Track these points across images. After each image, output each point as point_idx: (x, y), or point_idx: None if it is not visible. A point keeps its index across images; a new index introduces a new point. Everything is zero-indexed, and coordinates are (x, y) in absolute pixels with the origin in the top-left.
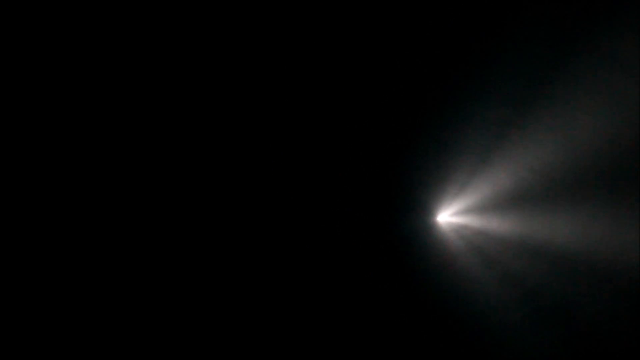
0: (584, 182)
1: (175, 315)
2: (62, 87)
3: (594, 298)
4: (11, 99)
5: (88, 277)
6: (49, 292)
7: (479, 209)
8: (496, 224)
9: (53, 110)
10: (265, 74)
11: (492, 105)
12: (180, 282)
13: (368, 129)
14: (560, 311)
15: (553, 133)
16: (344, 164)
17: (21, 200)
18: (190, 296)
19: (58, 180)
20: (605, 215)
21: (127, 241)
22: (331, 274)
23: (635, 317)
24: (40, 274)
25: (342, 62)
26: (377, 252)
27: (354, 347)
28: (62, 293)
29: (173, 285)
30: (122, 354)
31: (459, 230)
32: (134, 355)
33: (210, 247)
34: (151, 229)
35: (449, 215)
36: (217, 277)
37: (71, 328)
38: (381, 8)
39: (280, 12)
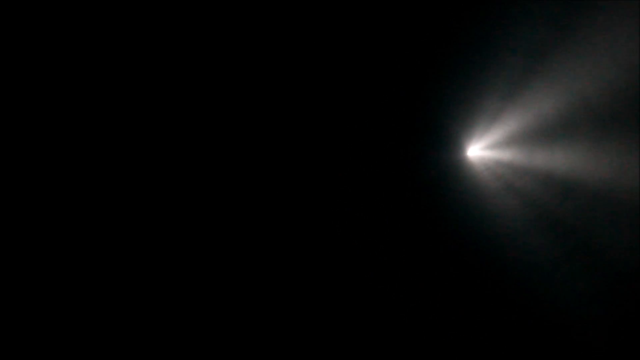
0: (621, 114)
1: (175, 315)
2: (62, 87)
3: (626, 236)
4: (11, 99)
5: (88, 276)
6: (49, 292)
7: (510, 141)
8: (528, 158)
9: (53, 110)
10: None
11: (524, 31)
12: (180, 281)
13: (393, 64)
14: (590, 249)
15: (588, 61)
16: (370, 97)
17: (21, 200)
18: (190, 292)
19: (58, 180)
20: (625, 152)
21: (126, 241)
22: (359, 214)
23: None
24: (40, 274)
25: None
26: (407, 187)
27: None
28: (62, 293)
29: (173, 285)
30: (122, 354)
31: (490, 164)
32: (134, 355)
33: (219, 228)
34: (150, 228)
35: (479, 149)
36: (232, 258)
37: (71, 328)
38: None
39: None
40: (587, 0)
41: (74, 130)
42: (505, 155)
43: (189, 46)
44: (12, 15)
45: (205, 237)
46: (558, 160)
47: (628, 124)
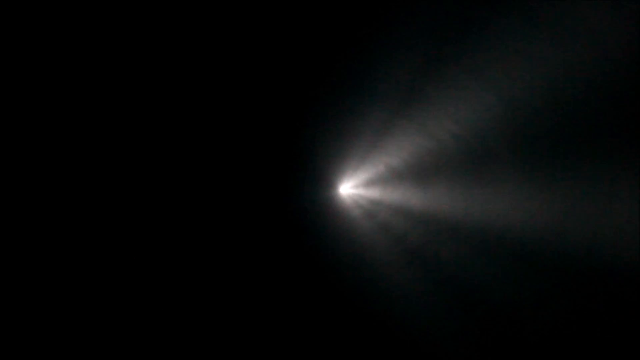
0: (473, 153)
1: (170, 313)
2: (62, 87)
3: (483, 266)
4: (11, 99)
5: (88, 276)
6: (49, 292)
7: (377, 180)
8: (390, 194)
9: (53, 110)
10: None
11: (387, 83)
12: (175, 279)
13: (273, 113)
14: (445, 272)
15: (446, 110)
16: (250, 146)
17: (21, 201)
18: (182, 290)
19: (58, 180)
20: (492, 189)
21: (126, 240)
22: (240, 246)
23: (517, 284)
24: (40, 274)
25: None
26: (283, 221)
27: (256, 309)
28: (62, 293)
29: (169, 283)
30: (122, 354)
31: (359, 200)
32: (134, 355)
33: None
34: (149, 227)
35: (349, 187)
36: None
37: (71, 328)
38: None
39: None
40: (446, 48)
41: (74, 130)
42: (372, 192)
43: (187, 46)
44: (12, 15)
45: (194, 234)
46: (418, 196)
47: (498, 163)
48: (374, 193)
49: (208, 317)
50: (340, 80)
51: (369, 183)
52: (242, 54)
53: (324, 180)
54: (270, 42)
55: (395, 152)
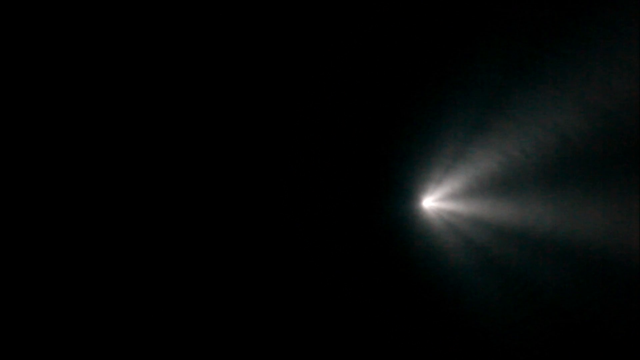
0: (559, 168)
1: (171, 313)
2: (62, 87)
3: (568, 281)
4: (11, 99)
5: (88, 276)
6: (49, 292)
7: (460, 194)
8: (476, 208)
9: (53, 110)
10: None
11: (466, 103)
12: (175, 279)
13: (357, 124)
14: (533, 292)
15: (533, 120)
16: (335, 157)
17: (21, 200)
18: (183, 289)
19: (58, 180)
20: (573, 200)
21: (126, 240)
22: (325, 260)
23: (600, 294)
24: (40, 274)
25: (325, 57)
26: (368, 236)
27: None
28: (62, 293)
29: (170, 282)
30: (122, 354)
31: (442, 214)
32: (134, 355)
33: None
34: (149, 227)
35: (432, 201)
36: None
37: (71, 328)
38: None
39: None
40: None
41: (74, 130)
42: (454, 205)
43: (187, 46)
44: (12, 15)
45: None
46: (505, 210)
47: (576, 176)
48: (457, 206)
49: (284, 333)
50: (422, 93)
51: (452, 196)
52: (327, 64)
53: (408, 193)
54: (356, 54)
55: (478, 164)
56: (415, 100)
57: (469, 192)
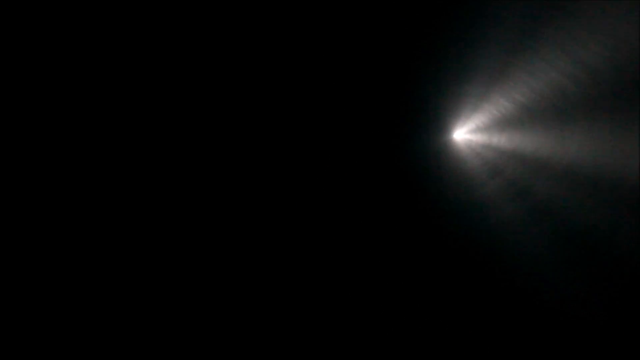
0: (595, 99)
1: (173, 313)
2: (62, 87)
3: (598, 211)
4: (11, 99)
5: (88, 277)
6: (49, 292)
7: (493, 125)
8: (509, 140)
9: (53, 110)
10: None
11: (500, 29)
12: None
13: (387, 52)
14: (564, 223)
15: (564, 51)
16: (361, 82)
17: (21, 201)
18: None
19: (58, 180)
20: (607, 132)
21: (126, 241)
22: (354, 191)
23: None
24: (40, 274)
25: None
26: (397, 168)
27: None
28: (62, 293)
29: (170, 282)
30: (122, 354)
31: (474, 147)
32: (134, 355)
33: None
34: (149, 228)
35: (464, 133)
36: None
37: (71, 328)
38: None
39: None
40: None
41: (74, 130)
42: (488, 138)
43: (187, 46)
44: (12, 15)
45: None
46: (537, 141)
47: (602, 109)
48: (486, 138)
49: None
50: (451, 24)
51: (484, 128)
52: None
53: (438, 124)
54: None
55: (507, 99)
56: (447, 29)
57: (502, 124)
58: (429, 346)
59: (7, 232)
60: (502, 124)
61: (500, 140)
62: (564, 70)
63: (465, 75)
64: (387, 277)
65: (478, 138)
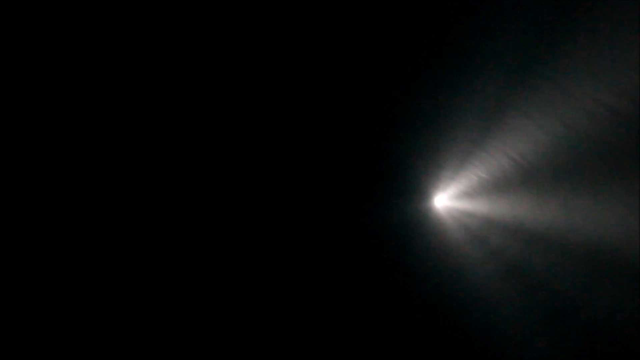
0: (563, 169)
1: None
2: (62, 87)
3: (574, 275)
4: (11, 99)
5: (88, 277)
6: (49, 292)
7: (473, 192)
8: (486, 207)
9: (53, 110)
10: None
11: (478, 99)
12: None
13: (368, 122)
14: (540, 285)
15: (536, 123)
16: (344, 155)
17: (21, 201)
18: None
19: (58, 180)
20: (585, 199)
21: (125, 241)
22: (337, 254)
23: (614, 294)
24: (40, 274)
25: (330, 56)
26: (381, 233)
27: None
28: (62, 293)
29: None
30: (122, 354)
31: (454, 212)
32: (133, 355)
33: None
34: (147, 227)
35: (445, 199)
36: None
37: (71, 328)
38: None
39: None
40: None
41: (74, 130)
42: (465, 204)
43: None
44: (12, 15)
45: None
46: (518, 209)
47: (588, 174)
48: (467, 205)
49: (283, 330)
50: (433, 95)
51: (463, 195)
52: (335, 60)
53: (421, 192)
54: (366, 50)
55: (487, 165)
56: (426, 99)
57: (481, 191)
58: None
59: (7, 232)
60: (481, 190)
61: (480, 206)
62: (539, 140)
63: (444, 144)
64: (361, 342)
65: (458, 204)
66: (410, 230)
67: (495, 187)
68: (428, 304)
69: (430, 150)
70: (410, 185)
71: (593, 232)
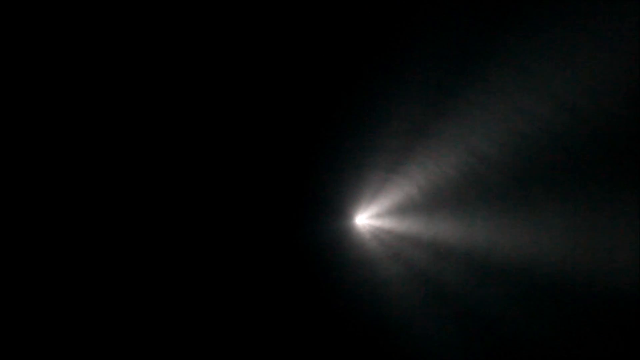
0: (492, 187)
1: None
2: (62, 87)
3: (484, 287)
4: (11, 99)
5: (88, 277)
6: (49, 292)
7: (393, 211)
8: (401, 224)
9: (53, 110)
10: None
11: (398, 118)
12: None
13: (287, 142)
14: (451, 294)
15: (454, 144)
16: (265, 175)
17: (21, 201)
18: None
19: (58, 180)
20: (505, 218)
21: (125, 241)
22: (259, 273)
23: (541, 314)
24: (40, 274)
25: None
26: (299, 250)
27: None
28: (62, 293)
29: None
30: (122, 354)
31: (375, 231)
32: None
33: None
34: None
35: (365, 218)
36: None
37: (71, 328)
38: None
39: None
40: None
41: (74, 130)
42: (385, 222)
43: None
44: (12, 15)
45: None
46: (434, 227)
47: (505, 193)
48: (387, 223)
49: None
50: (352, 115)
51: (383, 214)
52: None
53: (341, 212)
54: (286, 76)
55: (406, 185)
56: (346, 115)
57: (397, 211)
58: None
59: (7, 232)
60: (402, 209)
61: (400, 225)
62: (461, 158)
63: (365, 161)
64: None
65: (378, 223)
66: (334, 245)
67: (414, 207)
68: (349, 306)
69: (350, 171)
70: (331, 206)
71: (504, 249)
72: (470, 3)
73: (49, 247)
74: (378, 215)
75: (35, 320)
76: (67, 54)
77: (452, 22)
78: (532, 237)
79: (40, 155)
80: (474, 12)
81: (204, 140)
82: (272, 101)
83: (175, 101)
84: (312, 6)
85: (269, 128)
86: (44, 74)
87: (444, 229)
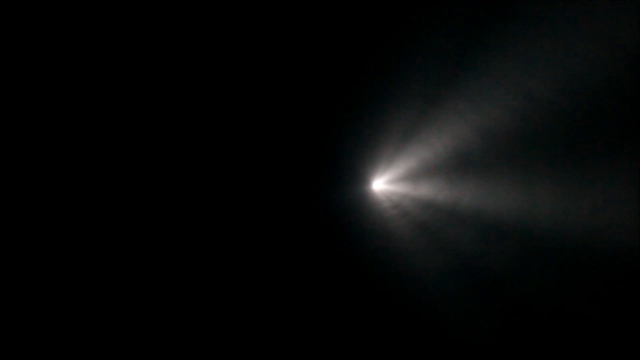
0: (500, 155)
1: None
2: (62, 87)
3: (505, 255)
4: (11, 99)
5: (88, 277)
6: (49, 292)
7: (409, 176)
8: (428, 190)
9: (53, 110)
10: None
11: (415, 81)
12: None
13: (304, 102)
14: (482, 272)
15: (487, 99)
16: (281, 135)
17: (21, 201)
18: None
19: (58, 180)
20: (529, 184)
21: (125, 241)
22: (276, 242)
23: (562, 286)
24: (40, 274)
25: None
26: (320, 218)
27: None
28: (62, 293)
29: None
30: (122, 354)
31: (392, 197)
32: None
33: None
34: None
35: (383, 183)
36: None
37: (71, 328)
38: None
39: None
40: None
41: (74, 130)
42: (403, 187)
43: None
44: (12, 15)
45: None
46: (455, 191)
47: (524, 158)
48: (405, 188)
49: (233, 319)
50: (368, 79)
51: (401, 178)
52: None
53: (357, 176)
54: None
55: (425, 148)
56: (363, 79)
57: (416, 175)
58: None
59: (7, 232)
60: (420, 174)
61: (413, 189)
62: (474, 123)
63: (381, 125)
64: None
65: (396, 188)
66: (349, 212)
67: (432, 171)
68: (366, 284)
69: (366, 133)
70: (347, 170)
71: (526, 215)
72: None
73: (49, 247)
74: (398, 180)
75: (35, 320)
76: (67, 54)
77: None
78: (544, 201)
79: (40, 155)
80: None
81: (223, 96)
82: (294, 63)
83: (187, 68)
84: None
85: (290, 87)
86: (44, 74)
87: (463, 193)
